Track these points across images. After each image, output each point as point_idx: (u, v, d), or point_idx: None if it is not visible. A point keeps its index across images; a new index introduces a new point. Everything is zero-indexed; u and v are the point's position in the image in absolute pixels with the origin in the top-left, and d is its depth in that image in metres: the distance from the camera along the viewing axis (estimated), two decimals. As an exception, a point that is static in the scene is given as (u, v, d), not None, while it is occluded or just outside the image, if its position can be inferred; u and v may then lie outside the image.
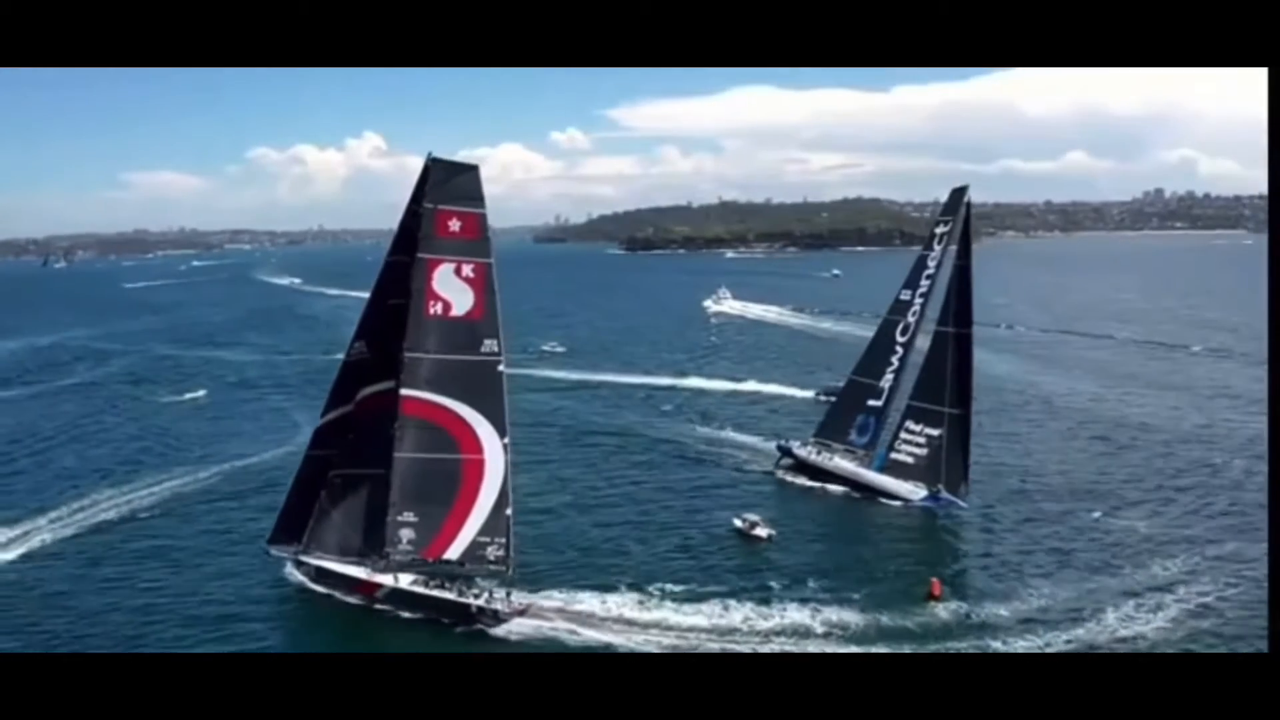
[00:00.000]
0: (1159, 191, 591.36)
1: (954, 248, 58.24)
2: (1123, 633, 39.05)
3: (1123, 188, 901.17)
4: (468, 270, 40.78)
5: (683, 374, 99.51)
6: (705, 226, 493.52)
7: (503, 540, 41.20)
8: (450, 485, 41.43)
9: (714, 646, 37.61)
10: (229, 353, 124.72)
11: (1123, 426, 75.31)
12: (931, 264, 59.66)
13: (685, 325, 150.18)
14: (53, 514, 53.95)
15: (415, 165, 41.83)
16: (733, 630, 39.29)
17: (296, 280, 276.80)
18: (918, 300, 60.15)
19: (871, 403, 61.11)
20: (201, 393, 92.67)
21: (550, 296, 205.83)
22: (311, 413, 54.87)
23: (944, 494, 55.13)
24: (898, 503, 56.19)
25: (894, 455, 58.60)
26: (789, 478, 61.30)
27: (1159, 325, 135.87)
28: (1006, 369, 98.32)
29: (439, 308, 40.80)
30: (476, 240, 40.82)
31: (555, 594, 42.16)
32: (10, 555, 48.15)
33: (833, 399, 68.53)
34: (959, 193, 60.08)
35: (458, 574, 41.56)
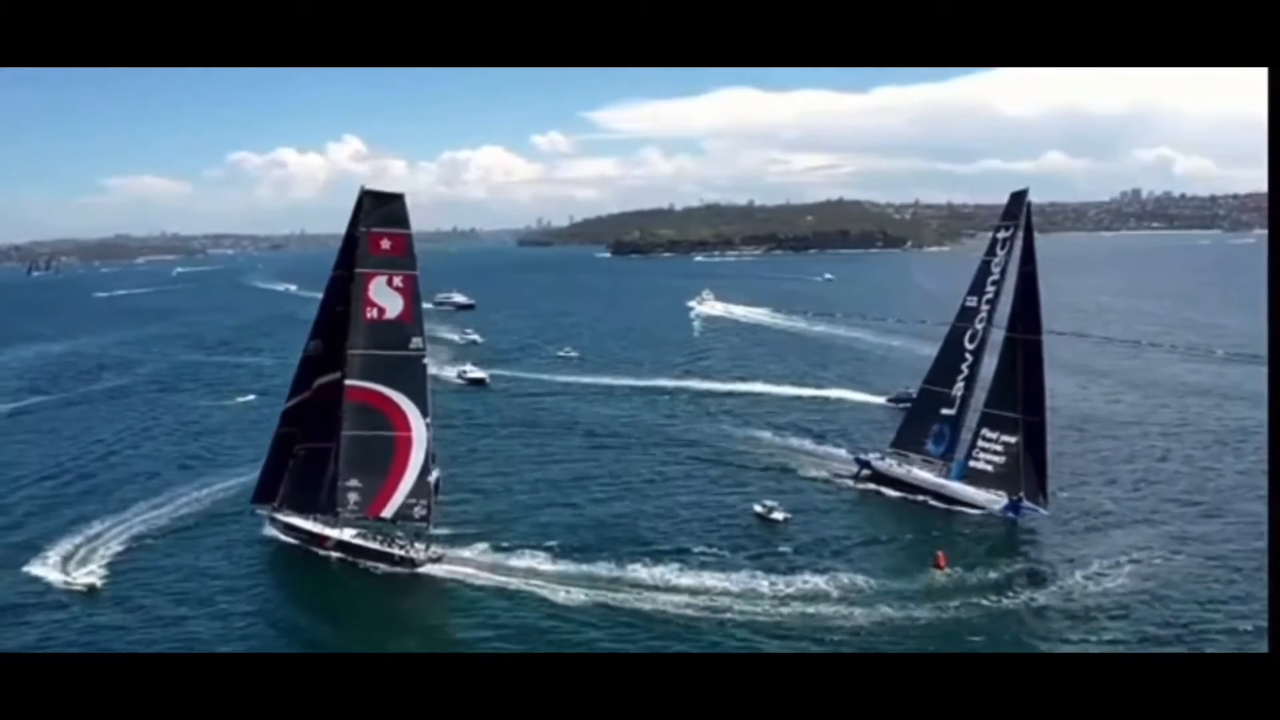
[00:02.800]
0: (1136, 192, 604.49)
1: (1017, 253, 58.49)
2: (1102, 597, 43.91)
3: (1100, 188, 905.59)
4: (397, 281, 50.25)
5: (699, 378, 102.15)
6: (690, 229, 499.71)
7: (425, 501, 50.54)
8: (386, 457, 50.74)
9: (740, 607, 43.24)
10: (251, 358, 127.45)
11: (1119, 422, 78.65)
12: (995, 270, 59.96)
13: (687, 329, 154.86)
14: (130, 513, 57.90)
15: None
16: (759, 595, 44.72)
17: (292, 286, 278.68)
18: (984, 307, 60.38)
19: (945, 411, 61.08)
20: (251, 396, 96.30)
21: (551, 300, 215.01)
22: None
23: (1025, 503, 55.46)
24: (976, 511, 56.73)
25: (973, 464, 58.70)
26: (867, 488, 61.97)
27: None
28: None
29: (375, 312, 50.26)
30: (403, 256, 50.31)
31: (607, 566, 48.00)
32: (118, 546, 52.59)
33: (906, 405, 69.60)
34: (1018, 197, 60.12)
35: (391, 530, 51.01)
